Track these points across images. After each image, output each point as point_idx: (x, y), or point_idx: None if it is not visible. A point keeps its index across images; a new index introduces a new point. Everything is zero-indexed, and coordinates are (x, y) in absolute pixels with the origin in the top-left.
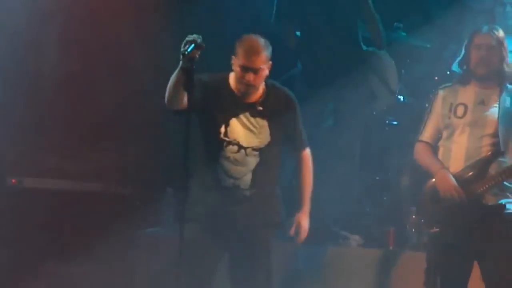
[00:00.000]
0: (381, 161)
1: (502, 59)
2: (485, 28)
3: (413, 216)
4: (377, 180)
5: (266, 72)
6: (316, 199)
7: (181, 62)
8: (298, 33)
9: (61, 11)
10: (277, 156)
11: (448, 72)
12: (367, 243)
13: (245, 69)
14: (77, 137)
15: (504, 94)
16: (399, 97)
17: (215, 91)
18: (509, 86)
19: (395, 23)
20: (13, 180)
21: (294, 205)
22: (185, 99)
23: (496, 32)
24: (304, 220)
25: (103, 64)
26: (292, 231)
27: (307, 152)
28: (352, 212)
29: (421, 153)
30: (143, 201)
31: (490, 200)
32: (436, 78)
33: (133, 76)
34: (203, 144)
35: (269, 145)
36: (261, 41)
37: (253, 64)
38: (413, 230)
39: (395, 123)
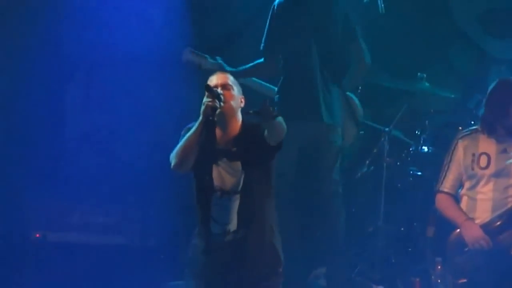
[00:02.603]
0: (405, 212)
1: None
2: None
3: (439, 267)
4: (402, 230)
5: (235, 94)
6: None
7: (201, 117)
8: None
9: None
10: (261, 194)
11: (472, 122)
12: None
13: (214, 86)
14: (99, 191)
15: None
16: (423, 147)
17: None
18: None
19: (419, 74)
20: (37, 235)
21: None
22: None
23: None
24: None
25: (126, 117)
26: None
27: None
28: (377, 263)
29: (444, 204)
30: (166, 254)
31: None
32: (460, 128)
33: (153, 129)
34: (196, 194)
35: (249, 185)
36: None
37: (220, 79)
38: (439, 281)
39: (419, 173)
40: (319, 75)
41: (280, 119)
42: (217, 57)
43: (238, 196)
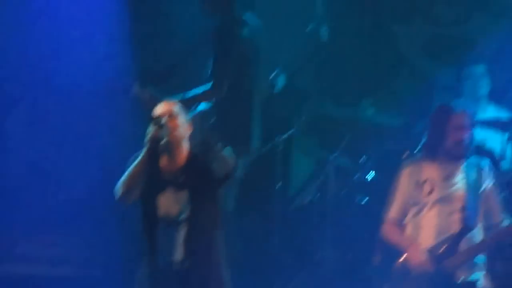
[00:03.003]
0: (351, 240)
1: (472, 136)
2: (458, 108)
3: None
4: (348, 258)
5: (181, 123)
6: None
7: (146, 147)
8: None
9: None
10: (208, 225)
11: (419, 148)
12: None
13: (160, 115)
14: (45, 222)
15: (468, 166)
16: (368, 175)
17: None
18: (472, 158)
19: (363, 101)
20: None
21: None
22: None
23: (469, 111)
24: None
25: (71, 147)
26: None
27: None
28: None
29: (389, 232)
30: (113, 284)
31: (462, 275)
32: (405, 155)
33: (98, 159)
34: (142, 223)
35: (194, 215)
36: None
37: (165, 108)
38: None
39: (364, 201)
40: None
41: (227, 150)
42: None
43: (183, 225)
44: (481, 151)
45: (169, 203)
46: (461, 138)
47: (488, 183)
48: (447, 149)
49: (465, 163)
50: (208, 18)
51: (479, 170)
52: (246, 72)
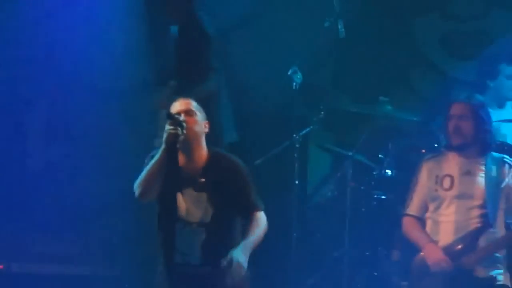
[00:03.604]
0: (370, 236)
1: (478, 128)
2: (460, 97)
3: None
4: (367, 255)
5: (198, 120)
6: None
7: (163, 145)
8: None
9: None
10: (229, 229)
11: (436, 145)
12: None
13: (177, 113)
14: (63, 220)
15: (489, 163)
16: (386, 171)
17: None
18: (494, 154)
19: (381, 97)
20: (1, 266)
21: None
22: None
23: (471, 101)
24: (239, 255)
25: (89, 146)
26: (223, 263)
27: (259, 214)
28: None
29: (408, 227)
30: (131, 283)
31: (481, 273)
32: (424, 150)
33: (116, 158)
34: (159, 222)
35: (214, 218)
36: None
37: (182, 106)
38: None
39: (383, 197)
40: None
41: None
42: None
43: (203, 229)
44: (503, 147)
45: (188, 204)
46: (454, 126)
47: (509, 180)
48: (448, 140)
49: (486, 159)
50: (172, 22)
51: (501, 166)
52: (213, 68)
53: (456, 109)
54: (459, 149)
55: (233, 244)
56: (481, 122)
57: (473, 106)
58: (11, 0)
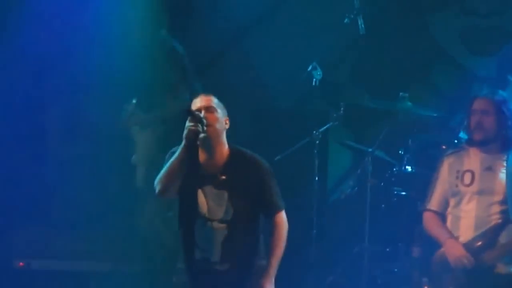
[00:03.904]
0: (390, 232)
1: (500, 124)
2: (483, 93)
3: (425, 287)
4: (387, 251)
5: (219, 116)
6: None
7: (184, 142)
8: None
9: None
10: (250, 227)
11: (456, 141)
12: None
13: (197, 109)
14: (83, 217)
15: (510, 159)
16: (406, 167)
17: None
18: None
19: (401, 93)
20: (21, 263)
21: None
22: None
23: (494, 96)
24: (267, 285)
25: (106, 144)
26: None
27: (281, 216)
28: (363, 284)
29: (429, 222)
30: (152, 279)
31: (501, 269)
32: (444, 146)
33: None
34: (180, 219)
35: (235, 216)
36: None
37: (203, 102)
38: None
39: (403, 193)
40: None
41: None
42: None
43: (224, 226)
44: None
45: (209, 202)
46: (477, 121)
47: None
48: (469, 135)
49: (508, 155)
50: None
51: None
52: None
53: (478, 105)
54: (481, 145)
55: (253, 242)
56: (503, 117)
57: (496, 102)
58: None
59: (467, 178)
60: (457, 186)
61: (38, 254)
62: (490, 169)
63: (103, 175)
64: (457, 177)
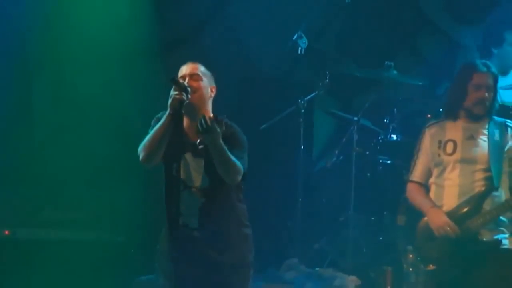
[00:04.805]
0: (376, 201)
1: (495, 97)
2: (482, 67)
3: (410, 255)
4: (372, 220)
5: (205, 84)
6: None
7: (168, 110)
8: None
9: None
10: (226, 195)
11: (441, 109)
12: (364, 283)
13: (182, 77)
14: (67, 186)
15: (491, 127)
16: (392, 135)
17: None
18: (496, 118)
19: (386, 62)
20: (6, 232)
21: None
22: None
23: (493, 71)
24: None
25: (93, 112)
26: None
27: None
28: (349, 253)
29: (412, 193)
30: (136, 248)
31: (485, 236)
32: (429, 115)
33: (121, 124)
34: (164, 187)
35: (212, 184)
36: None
37: (189, 69)
38: (410, 269)
39: (388, 162)
40: None
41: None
42: None
43: (201, 193)
44: (506, 111)
45: (188, 169)
46: (482, 97)
47: None
48: (467, 108)
49: (489, 123)
50: None
51: (503, 130)
52: None
53: (482, 80)
54: (475, 117)
55: (231, 210)
56: (497, 91)
57: (495, 76)
58: None
59: (449, 147)
60: (439, 155)
61: (24, 222)
62: (472, 137)
63: (89, 142)
64: (439, 147)
